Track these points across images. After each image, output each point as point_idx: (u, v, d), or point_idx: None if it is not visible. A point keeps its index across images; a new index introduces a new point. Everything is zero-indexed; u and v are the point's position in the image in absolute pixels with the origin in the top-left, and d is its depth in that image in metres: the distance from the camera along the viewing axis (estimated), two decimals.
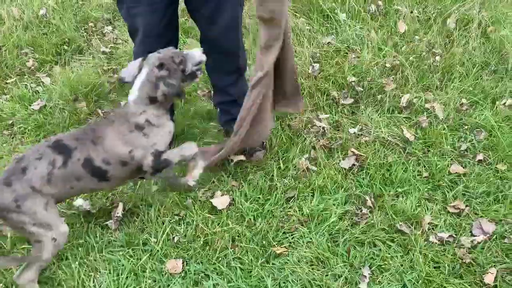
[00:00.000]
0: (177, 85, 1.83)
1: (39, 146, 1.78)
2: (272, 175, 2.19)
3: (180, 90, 1.86)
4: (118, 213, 2.04)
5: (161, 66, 1.83)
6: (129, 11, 2.05)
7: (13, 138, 2.56)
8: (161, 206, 2.07)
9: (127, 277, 1.79)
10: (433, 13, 3.20)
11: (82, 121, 2.61)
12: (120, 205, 2.06)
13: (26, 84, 2.94)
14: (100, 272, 1.81)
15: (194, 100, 2.73)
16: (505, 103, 2.50)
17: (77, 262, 1.83)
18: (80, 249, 1.90)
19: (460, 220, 1.93)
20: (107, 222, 2.02)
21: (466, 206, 1.99)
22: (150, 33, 2.07)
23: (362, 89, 2.64)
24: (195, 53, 1.93)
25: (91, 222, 2.03)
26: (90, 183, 1.79)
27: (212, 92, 2.45)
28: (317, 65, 2.83)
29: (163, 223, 2.00)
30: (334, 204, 2.02)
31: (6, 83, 2.98)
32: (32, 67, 3.11)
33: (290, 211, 2.03)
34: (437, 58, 2.83)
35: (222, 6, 2.03)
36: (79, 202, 2.08)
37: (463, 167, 2.16)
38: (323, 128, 2.40)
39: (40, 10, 3.63)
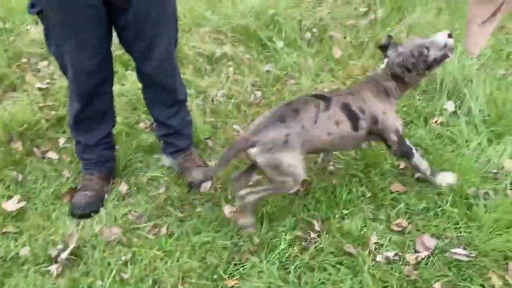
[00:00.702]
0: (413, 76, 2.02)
1: (304, 96, 2.06)
2: (221, 205, 2.18)
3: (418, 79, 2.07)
4: (61, 256, 1.94)
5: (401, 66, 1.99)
6: (57, 48, 2.00)
7: None
8: (106, 246, 2.00)
9: None
10: (365, 38, 3.36)
11: (18, 162, 2.49)
12: (68, 248, 1.97)
13: None
14: None
15: (136, 133, 2.68)
16: (436, 121, 2.64)
17: None
18: None
19: (404, 237, 2.00)
20: (48, 268, 1.92)
21: (409, 223, 2.07)
22: (80, 71, 2.02)
23: None
24: (439, 38, 1.98)
25: (30, 270, 1.92)
26: (345, 129, 1.97)
27: (155, 124, 2.43)
28: (258, 93, 2.87)
29: (109, 265, 1.93)
30: (283, 231, 2.04)
31: None
32: None
33: (240, 242, 2.02)
34: None
35: (156, 42, 2.03)
36: None
37: (403, 185, 2.24)
38: None
39: None
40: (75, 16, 1.86)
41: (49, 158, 2.55)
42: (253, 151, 1.88)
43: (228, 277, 1.86)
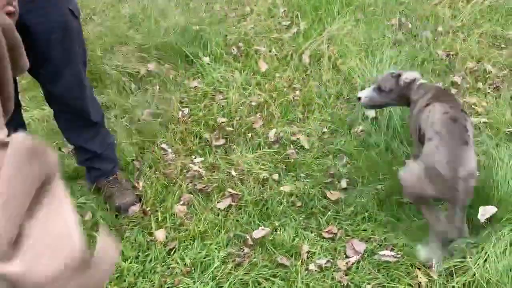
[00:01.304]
0: None
1: None
2: (151, 229, 2.12)
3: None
4: None
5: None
6: None
7: None
8: None
9: None
10: (290, 51, 3.44)
11: None
12: None
13: None
14: None
15: (59, 159, 2.56)
16: (356, 130, 2.73)
17: None
18: None
19: (335, 244, 2.04)
20: None
21: (339, 229, 2.11)
22: None
23: (232, 129, 2.71)
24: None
25: None
26: None
27: (75, 151, 2.33)
28: (186, 109, 2.84)
29: None
30: (216, 249, 2.01)
31: None
32: None
33: (172, 264, 1.97)
34: (297, 92, 3.02)
35: (62, 65, 1.95)
36: None
37: (331, 193, 2.30)
38: (198, 171, 2.40)
39: None
40: None
41: None
42: None
43: None
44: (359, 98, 2.35)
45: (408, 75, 2.23)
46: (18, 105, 2.06)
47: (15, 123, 2.06)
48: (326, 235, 2.09)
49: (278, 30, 3.73)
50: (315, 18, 3.71)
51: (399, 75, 2.25)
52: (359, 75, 2.99)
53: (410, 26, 3.66)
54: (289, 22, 3.84)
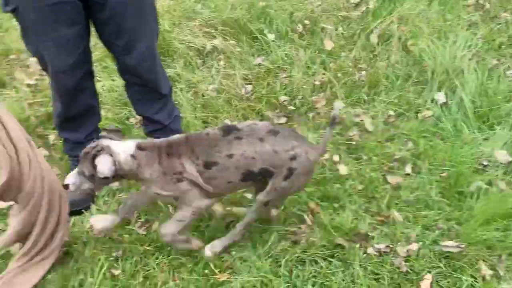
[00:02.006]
0: None
1: None
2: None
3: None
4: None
5: None
6: (35, 47, 1.97)
7: None
8: (97, 243, 1.99)
9: None
10: (357, 29, 3.34)
11: None
12: None
13: None
14: None
15: (127, 129, 2.66)
16: (424, 115, 2.62)
17: None
18: None
19: (395, 229, 2.00)
20: None
21: (400, 215, 2.07)
22: (59, 70, 1.99)
23: (294, 108, 2.70)
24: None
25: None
26: None
27: (142, 121, 2.41)
28: (249, 87, 2.86)
29: (100, 261, 1.92)
30: (273, 225, 2.03)
31: None
32: None
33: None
34: (363, 73, 2.95)
35: (138, 35, 2.01)
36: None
37: (394, 178, 2.24)
38: None
39: None
40: (49, 13, 1.83)
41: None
42: None
43: (219, 271, 1.86)
44: (67, 186, 1.76)
45: (101, 168, 1.66)
46: (91, 74, 2.15)
47: (89, 92, 2.17)
48: (386, 219, 2.05)
49: (346, 8, 3.62)
50: None
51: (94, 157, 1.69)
52: (430, 57, 2.86)
53: (488, 6, 3.44)
54: (358, 0, 3.72)
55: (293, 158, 1.74)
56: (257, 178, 1.77)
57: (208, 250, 1.89)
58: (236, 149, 1.72)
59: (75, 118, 2.17)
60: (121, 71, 2.17)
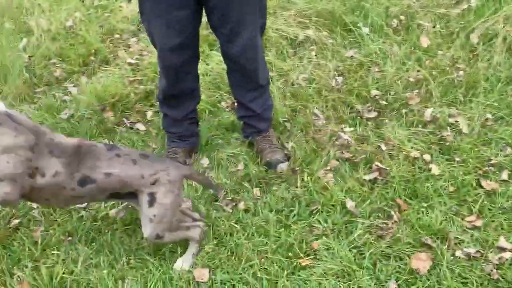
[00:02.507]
0: None
1: None
2: (296, 187, 2.21)
3: None
4: None
5: None
6: (149, 25, 2.11)
7: None
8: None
9: (155, 285, 1.81)
10: (456, 28, 3.21)
11: (108, 130, 2.67)
12: None
13: (54, 94, 3.02)
14: (128, 279, 1.84)
15: (218, 112, 2.77)
16: None
17: (105, 271, 1.86)
18: (108, 256, 1.93)
19: (487, 235, 1.92)
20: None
21: (492, 221, 1.98)
22: (165, 47, 2.12)
23: (385, 103, 2.66)
24: None
25: (117, 230, 2.07)
26: None
27: (236, 106, 2.49)
28: (340, 78, 2.85)
29: None
30: (359, 217, 2.03)
31: (35, 92, 3.06)
32: (60, 77, 3.19)
33: (314, 223, 2.04)
34: (461, 72, 2.83)
35: (241, 26, 2.08)
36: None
37: (488, 183, 2.15)
38: (347, 141, 2.42)
39: (67, 22, 3.73)
40: None
41: (137, 129, 2.70)
42: None
43: (302, 256, 1.89)
44: None
45: None
46: (197, 58, 2.26)
47: (192, 75, 2.28)
48: (477, 224, 1.97)
49: (445, 5, 3.49)
50: None
51: None
52: None
53: None
54: None
55: (154, 182, 1.72)
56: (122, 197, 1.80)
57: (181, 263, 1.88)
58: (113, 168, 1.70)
59: (177, 97, 2.29)
60: (224, 57, 2.25)
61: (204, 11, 2.10)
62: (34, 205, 2.19)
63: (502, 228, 1.95)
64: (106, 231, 2.07)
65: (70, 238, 2.05)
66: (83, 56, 3.33)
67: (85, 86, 3.01)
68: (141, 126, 2.71)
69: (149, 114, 2.79)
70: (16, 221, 2.13)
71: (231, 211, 2.14)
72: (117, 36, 3.59)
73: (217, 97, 2.86)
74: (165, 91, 2.28)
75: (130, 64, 3.27)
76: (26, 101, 2.99)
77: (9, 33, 3.65)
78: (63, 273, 1.87)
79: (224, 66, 2.36)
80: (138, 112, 2.83)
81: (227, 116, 2.72)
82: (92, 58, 3.33)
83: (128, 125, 2.72)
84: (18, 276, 1.86)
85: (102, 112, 2.78)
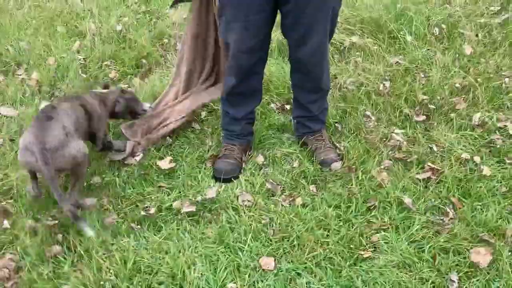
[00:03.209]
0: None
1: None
2: (351, 184, 2.30)
3: None
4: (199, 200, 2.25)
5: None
6: (226, 27, 2.23)
7: None
8: (246, 209, 2.20)
9: (224, 271, 1.91)
10: (498, 37, 3.29)
11: None
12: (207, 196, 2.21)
13: None
14: (198, 264, 1.94)
15: (268, 113, 2.88)
16: None
17: (175, 257, 1.97)
18: (176, 243, 2.04)
19: None
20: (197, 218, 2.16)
21: None
22: (242, 49, 2.24)
23: (434, 107, 2.74)
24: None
25: (182, 220, 2.18)
26: None
27: (293, 105, 2.59)
28: (388, 83, 2.94)
29: (251, 225, 2.12)
30: (414, 213, 2.11)
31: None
32: (115, 78, 3.34)
33: (371, 219, 2.13)
34: (506, 80, 2.90)
35: (312, 31, 2.19)
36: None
37: None
38: (399, 141, 2.50)
39: (117, 26, 3.89)
40: (246, 1, 2.10)
41: (192, 127, 2.82)
42: None
43: (364, 248, 1.98)
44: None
45: None
46: (265, 61, 2.40)
47: (258, 77, 2.41)
48: None
49: (485, 15, 3.57)
50: None
51: None
52: None
53: None
54: (499, 7, 3.65)
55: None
56: None
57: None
58: None
59: (242, 96, 2.41)
60: (291, 59, 2.37)
61: (278, 14, 2.22)
62: (103, 196, 2.33)
63: None
64: (172, 221, 2.18)
65: (139, 226, 2.17)
66: (135, 59, 3.48)
67: (140, 87, 3.15)
68: (196, 125, 2.83)
69: (203, 114, 2.91)
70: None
71: (289, 205, 2.24)
72: (166, 40, 3.73)
73: (267, 99, 2.97)
74: (231, 89, 2.39)
75: None
76: None
77: (62, 36, 3.82)
78: (135, 258, 1.98)
79: (277, 68, 2.47)
80: (192, 112, 2.94)
81: (277, 117, 2.83)
82: (144, 60, 3.47)
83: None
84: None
85: None
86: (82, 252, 2.00)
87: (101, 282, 1.88)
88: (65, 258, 1.99)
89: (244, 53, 2.24)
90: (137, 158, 2.53)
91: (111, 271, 1.93)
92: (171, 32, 3.82)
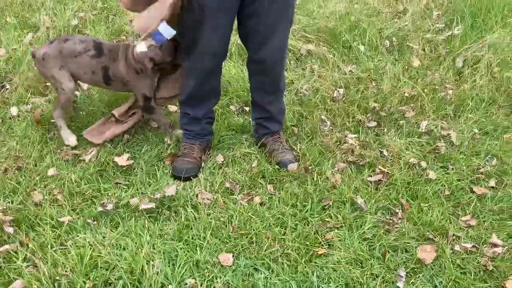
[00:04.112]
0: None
1: (87, 37, 2.64)
2: (307, 185, 2.39)
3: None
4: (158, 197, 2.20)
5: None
6: (192, 31, 2.22)
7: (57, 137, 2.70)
8: (206, 207, 2.24)
9: (183, 267, 1.93)
10: (443, 52, 3.51)
11: None
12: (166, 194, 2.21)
13: None
14: (156, 261, 1.94)
15: (227, 114, 2.92)
16: (510, 136, 2.77)
17: (133, 253, 1.97)
18: (134, 240, 2.03)
19: (480, 233, 2.15)
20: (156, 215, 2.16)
21: (484, 221, 2.22)
22: (209, 52, 2.27)
23: (384, 114, 2.89)
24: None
25: (140, 217, 2.17)
26: (98, 81, 2.59)
27: (252, 107, 2.65)
28: (342, 90, 3.07)
29: (210, 222, 2.15)
30: (366, 214, 2.22)
31: (46, 85, 3.12)
32: None
33: (326, 218, 2.22)
34: (450, 92, 3.11)
35: (275, 31, 2.25)
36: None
37: (479, 188, 2.40)
38: (352, 145, 2.62)
39: (72, 20, 3.80)
40: (214, 2, 2.11)
41: (150, 126, 2.81)
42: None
43: (318, 245, 2.06)
44: None
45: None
46: (224, 60, 2.44)
47: (218, 76, 2.47)
48: (472, 223, 2.20)
49: (431, 31, 3.80)
50: (474, 24, 3.72)
51: None
52: None
53: None
54: (443, 25, 3.90)
55: None
56: None
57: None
58: None
59: (201, 97, 2.44)
60: (250, 62, 2.42)
61: (237, 17, 2.26)
62: (56, 192, 2.28)
63: (493, 228, 2.19)
64: (130, 218, 2.17)
65: (95, 222, 2.14)
66: None
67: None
68: (154, 124, 2.83)
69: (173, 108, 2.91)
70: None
71: (247, 204, 2.29)
72: (123, 37, 3.69)
73: (226, 101, 3.02)
74: (192, 91, 2.41)
75: None
76: (37, 94, 3.05)
77: (13, 28, 3.69)
78: (92, 254, 1.95)
79: (237, 71, 2.53)
80: None
81: (237, 119, 2.88)
82: None
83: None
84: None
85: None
86: (36, 248, 1.95)
87: (57, 278, 1.84)
88: (16, 253, 1.94)
89: (208, 54, 2.27)
90: (89, 157, 2.50)
91: (67, 266, 1.89)
92: (128, 29, 3.78)
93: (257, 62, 2.37)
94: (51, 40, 2.60)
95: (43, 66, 2.51)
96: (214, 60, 2.31)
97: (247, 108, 2.94)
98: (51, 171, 2.39)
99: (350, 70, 3.28)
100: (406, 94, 3.05)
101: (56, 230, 2.08)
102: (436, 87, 3.16)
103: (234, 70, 3.17)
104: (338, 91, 3.07)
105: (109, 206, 2.22)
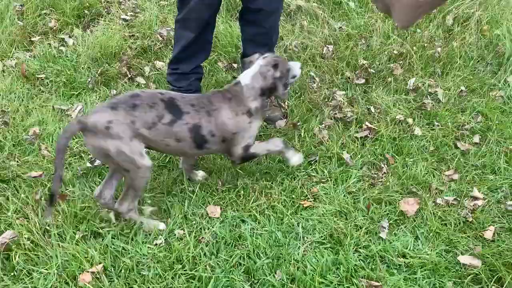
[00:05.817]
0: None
1: (154, 94, 1.88)
2: (294, 141, 2.41)
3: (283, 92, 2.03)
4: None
5: (275, 66, 2.00)
6: None
7: (43, 92, 2.68)
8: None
9: (176, 219, 1.97)
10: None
11: (109, 81, 2.75)
12: None
13: (49, 43, 3.04)
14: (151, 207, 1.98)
15: (215, 71, 2.90)
16: (495, 94, 2.80)
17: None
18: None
19: (462, 187, 2.21)
20: None
21: (466, 176, 2.27)
22: (205, 1, 2.26)
23: (373, 71, 2.89)
24: (296, 67, 2.12)
25: None
26: (186, 147, 1.92)
27: (242, 61, 2.63)
28: (331, 47, 3.05)
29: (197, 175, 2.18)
30: (352, 168, 2.26)
31: (31, 40, 3.06)
32: (55, 28, 3.20)
33: (311, 173, 2.26)
34: (439, 49, 3.11)
35: None
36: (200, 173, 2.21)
37: (463, 144, 2.44)
38: (340, 102, 2.63)
39: None
40: None
41: (137, 82, 2.79)
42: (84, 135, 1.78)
43: (304, 198, 2.10)
44: None
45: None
46: (210, 24, 2.40)
47: (212, 29, 2.42)
48: (454, 176, 2.25)
49: None
50: None
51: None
52: (510, 41, 3.01)
53: None
54: None
55: None
56: None
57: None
58: None
59: (194, 51, 2.42)
60: (245, 13, 2.39)
61: None
62: (43, 147, 2.28)
63: (474, 182, 2.25)
64: None
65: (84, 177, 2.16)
66: (76, 9, 3.34)
67: (80, 38, 3.05)
68: (141, 80, 2.81)
69: (147, 69, 2.88)
70: None
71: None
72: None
73: (213, 58, 2.99)
74: (185, 45, 2.38)
75: (125, 20, 3.31)
76: (21, 49, 2.99)
77: None
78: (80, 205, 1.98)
79: (225, 27, 2.49)
80: (136, 67, 2.91)
81: (225, 75, 2.86)
82: (85, 11, 3.34)
83: (130, 75, 2.81)
84: None
85: (103, 64, 2.85)
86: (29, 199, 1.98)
87: (47, 227, 1.88)
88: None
89: (206, 5, 2.25)
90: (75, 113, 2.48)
91: (58, 217, 1.92)
92: None
93: (253, 12, 2.34)
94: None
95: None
96: (210, 10, 2.29)
97: (235, 65, 2.92)
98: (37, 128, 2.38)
99: (340, 27, 3.25)
100: (395, 52, 3.04)
101: (47, 184, 2.10)
102: (425, 44, 3.15)
103: (223, 26, 3.12)
104: (328, 47, 3.05)
105: (97, 162, 2.23)
